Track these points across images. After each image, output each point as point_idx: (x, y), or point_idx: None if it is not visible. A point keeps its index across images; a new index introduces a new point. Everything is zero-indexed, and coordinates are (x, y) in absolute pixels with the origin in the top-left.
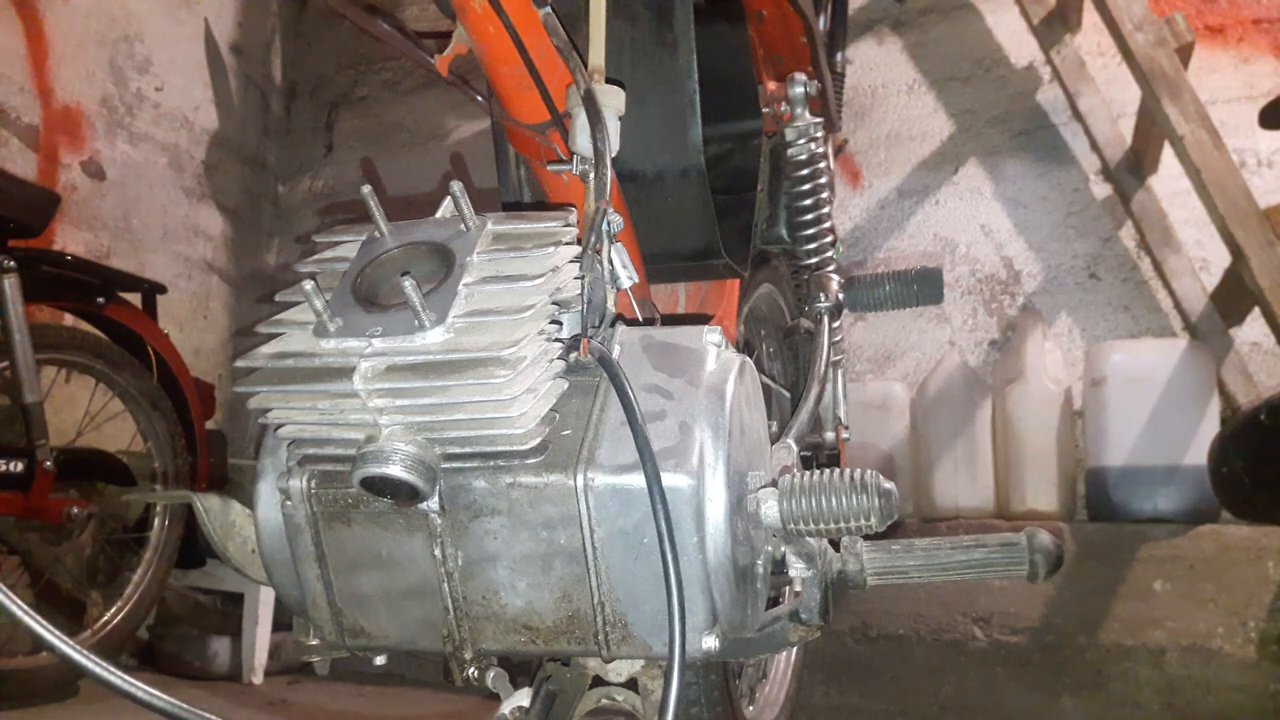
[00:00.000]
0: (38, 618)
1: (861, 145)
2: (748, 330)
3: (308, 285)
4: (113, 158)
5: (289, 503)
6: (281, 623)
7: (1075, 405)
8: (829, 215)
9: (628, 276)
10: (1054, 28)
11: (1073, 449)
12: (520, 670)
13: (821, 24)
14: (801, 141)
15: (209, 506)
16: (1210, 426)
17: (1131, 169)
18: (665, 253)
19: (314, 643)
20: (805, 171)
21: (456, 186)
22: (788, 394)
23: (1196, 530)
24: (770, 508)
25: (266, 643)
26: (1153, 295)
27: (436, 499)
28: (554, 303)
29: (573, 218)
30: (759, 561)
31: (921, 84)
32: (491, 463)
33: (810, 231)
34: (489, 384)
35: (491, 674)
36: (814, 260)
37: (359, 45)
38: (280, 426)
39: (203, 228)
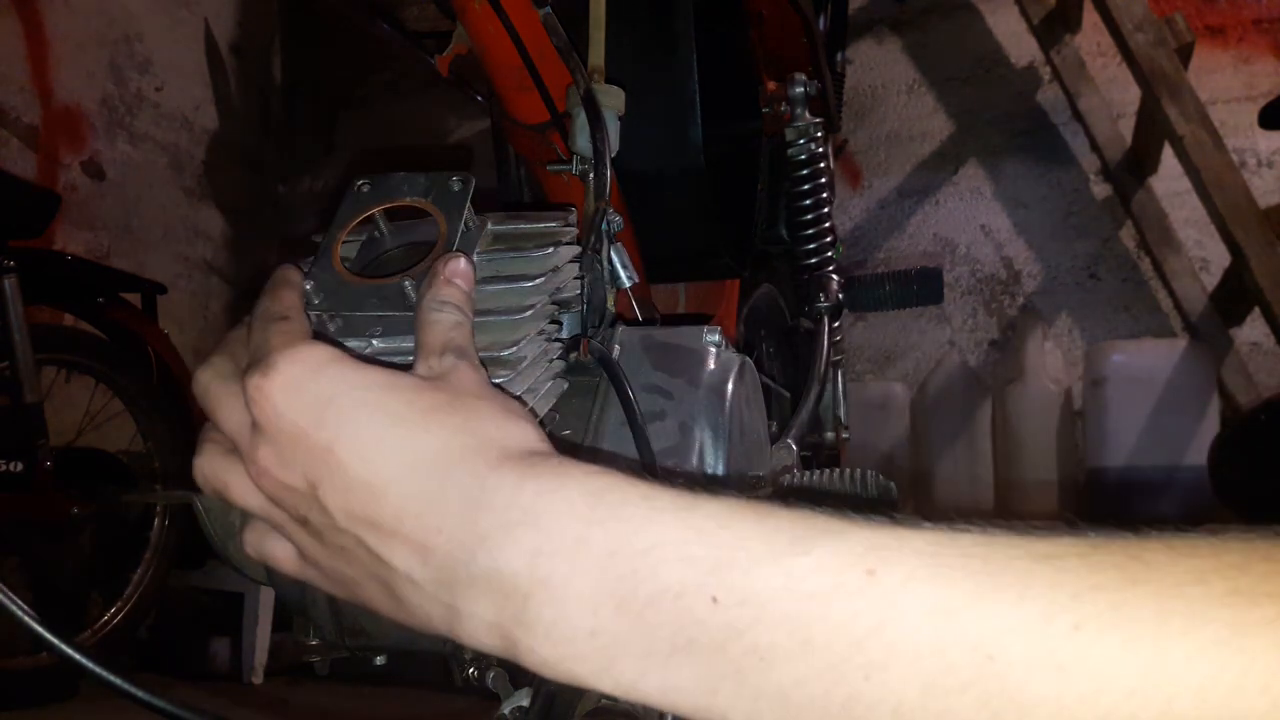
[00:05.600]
0: (38, 618)
1: (861, 145)
2: (748, 330)
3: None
4: (113, 158)
5: None
6: (281, 623)
7: (1075, 405)
8: (829, 215)
9: (628, 276)
10: (1054, 28)
11: (1073, 449)
12: (520, 670)
13: (821, 24)
14: (801, 141)
15: (209, 506)
16: (1210, 426)
17: (1131, 169)
18: (665, 253)
19: (314, 643)
20: (805, 171)
21: (456, 183)
22: (788, 394)
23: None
24: None
25: (266, 643)
26: (1153, 295)
27: None
28: (554, 303)
29: (573, 217)
30: None
31: (921, 84)
32: None
33: (810, 231)
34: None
35: (491, 674)
36: (814, 260)
37: (359, 45)
38: None
39: (203, 228)
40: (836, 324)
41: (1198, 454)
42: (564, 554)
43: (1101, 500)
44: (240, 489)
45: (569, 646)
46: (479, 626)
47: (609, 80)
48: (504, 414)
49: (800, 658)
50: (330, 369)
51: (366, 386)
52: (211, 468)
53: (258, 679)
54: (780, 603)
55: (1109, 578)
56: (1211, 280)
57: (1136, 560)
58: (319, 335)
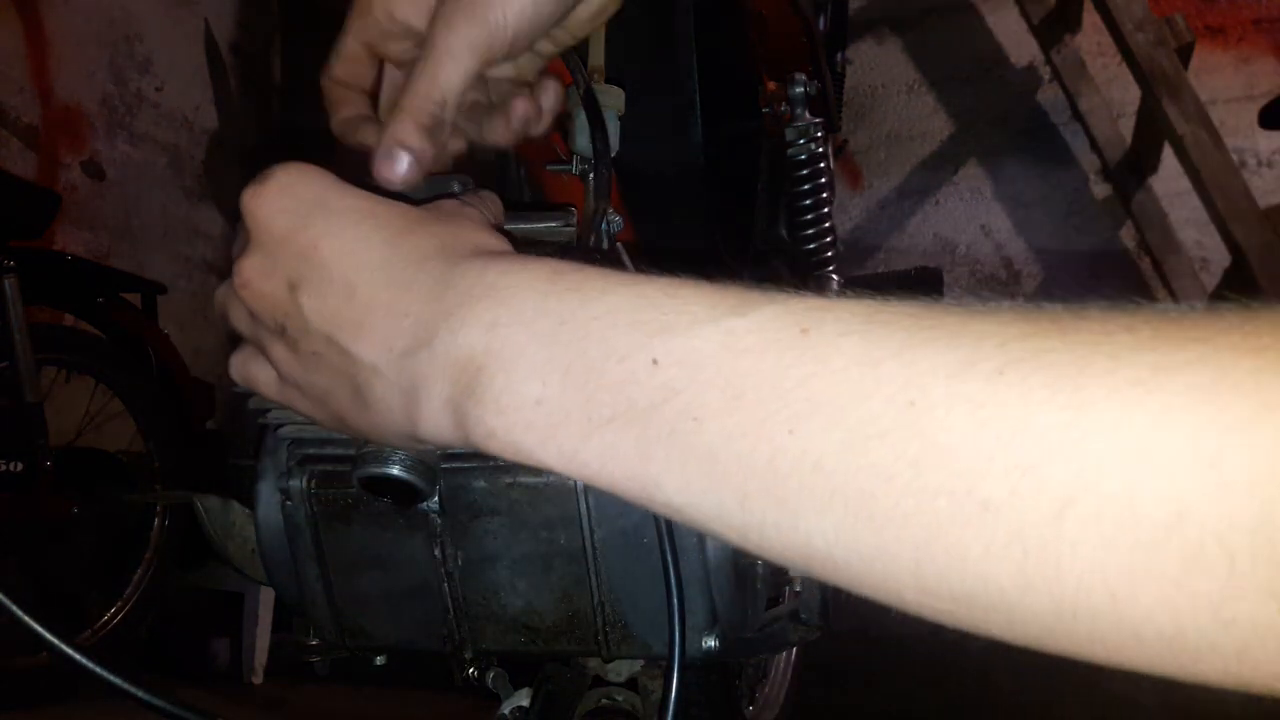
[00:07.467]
0: (38, 618)
1: (861, 145)
2: None
3: None
4: (113, 158)
5: (289, 503)
6: (281, 623)
7: None
8: (829, 216)
9: None
10: (1054, 28)
11: None
12: (521, 670)
13: (821, 24)
14: (801, 141)
15: (209, 506)
16: None
17: (1131, 169)
18: (665, 253)
19: (314, 643)
20: (805, 172)
21: (456, 185)
22: None
23: None
24: None
25: (266, 643)
26: (1153, 295)
27: (436, 499)
28: None
29: (573, 217)
30: (759, 561)
31: (921, 84)
32: (491, 462)
33: (810, 232)
34: None
35: (491, 674)
36: (814, 260)
37: None
38: (280, 426)
39: (203, 228)
40: None
41: None
42: (520, 324)
43: None
44: (235, 312)
45: (516, 415)
46: (435, 407)
47: (609, 80)
48: (483, 224)
49: (730, 414)
50: (322, 177)
51: (356, 195)
52: (219, 297)
53: (258, 679)
54: (716, 362)
55: (1039, 328)
56: (1211, 280)
57: (1072, 314)
58: None
